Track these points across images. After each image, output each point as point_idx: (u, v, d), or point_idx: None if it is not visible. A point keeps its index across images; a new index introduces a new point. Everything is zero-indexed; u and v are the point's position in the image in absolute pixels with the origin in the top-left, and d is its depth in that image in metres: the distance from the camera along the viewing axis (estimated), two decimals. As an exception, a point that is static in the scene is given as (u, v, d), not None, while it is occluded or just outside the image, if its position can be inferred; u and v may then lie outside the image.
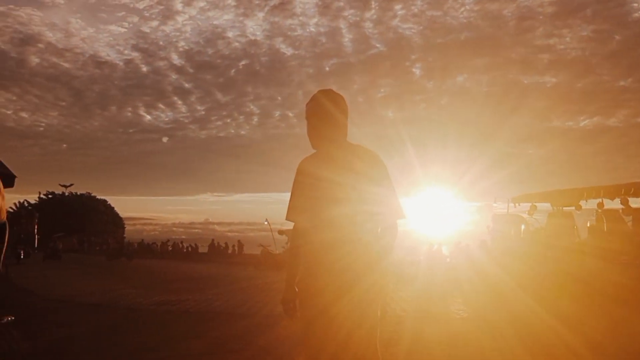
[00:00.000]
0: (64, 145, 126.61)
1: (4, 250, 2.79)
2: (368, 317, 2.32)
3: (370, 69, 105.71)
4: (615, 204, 12.87)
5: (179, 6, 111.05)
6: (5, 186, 2.80)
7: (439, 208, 25.29)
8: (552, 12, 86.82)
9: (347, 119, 2.54)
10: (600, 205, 12.95)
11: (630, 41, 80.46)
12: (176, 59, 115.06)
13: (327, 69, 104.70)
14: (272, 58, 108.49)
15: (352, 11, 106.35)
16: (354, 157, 2.45)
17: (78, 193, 72.96)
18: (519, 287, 11.22)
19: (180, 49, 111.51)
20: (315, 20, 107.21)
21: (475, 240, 18.07)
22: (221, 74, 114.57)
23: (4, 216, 2.78)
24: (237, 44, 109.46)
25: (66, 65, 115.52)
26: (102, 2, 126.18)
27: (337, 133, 2.50)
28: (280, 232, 23.48)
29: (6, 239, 2.83)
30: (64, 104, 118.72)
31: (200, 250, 36.33)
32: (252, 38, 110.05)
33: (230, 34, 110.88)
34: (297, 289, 2.51)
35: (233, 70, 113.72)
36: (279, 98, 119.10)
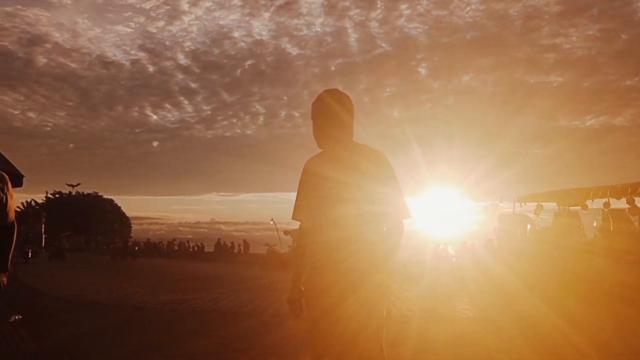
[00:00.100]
0: (71, 145, 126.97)
1: (12, 249, 2.82)
2: (374, 317, 2.32)
3: (375, 68, 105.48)
4: (622, 204, 12.80)
5: (185, 6, 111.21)
6: (13, 186, 2.82)
7: (445, 207, 25.23)
8: (558, 11, 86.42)
9: (353, 118, 2.54)
10: (607, 204, 12.89)
11: (637, 40, 79.92)
12: (182, 59, 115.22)
13: (333, 68, 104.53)
14: (278, 58, 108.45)
15: (357, 11, 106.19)
16: (359, 157, 2.45)
17: (85, 192, 73.36)
18: (525, 286, 11.19)
19: (187, 49, 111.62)
20: (321, 20, 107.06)
21: (481, 240, 18.04)
22: (227, 73, 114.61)
23: (13, 216, 2.81)
24: (243, 44, 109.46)
25: (73, 65, 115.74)
26: (108, 2, 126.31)
27: (343, 133, 2.51)
28: (286, 233, 23.50)
29: (15, 238, 2.85)
30: (71, 104, 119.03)
31: (207, 249, 36.43)
32: (258, 38, 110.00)
33: (236, 34, 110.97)
34: (303, 289, 2.52)
35: (239, 70, 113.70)
36: (285, 98, 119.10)
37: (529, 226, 14.80)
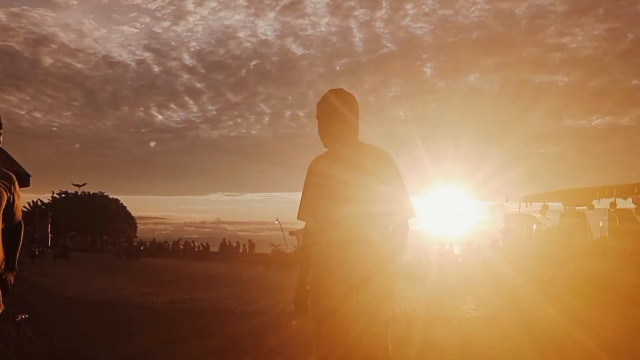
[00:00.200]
0: (77, 145, 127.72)
1: (19, 249, 2.83)
2: (379, 316, 2.32)
3: (381, 68, 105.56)
4: (628, 204, 12.74)
5: (190, 6, 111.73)
6: (20, 186, 2.84)
7: (450, 207, 25.18)
8: (564, 11, 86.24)
9: (358, 118, 2.54)
10: (613, 204, 12.82)
11: (643, 40, 79.51)
12: (188, 59, 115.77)
13: (338, 68, 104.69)
14: (283, 58, 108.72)
15: (362, 10, 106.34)
16: (364, 157, 2.45)
17: (91, 192, 73.75)
18: (531, 287, 11.14)
19: (192, 49, 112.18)
20: (326, 19, 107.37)
21: (486, 240, 18.00)
22: (232, 74, 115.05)
23: (20, 215, 2.82)
24: (248, 44, 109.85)
25: (79, 65, 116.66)
26: (114, 2, 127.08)
27: (348, 132, 2.51)
28: (291, 233, 23.54)
29: (22, 238, 2.87)
30: (77, 104, 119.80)
31: (212, 249, 36.57)
32: (263, 38, 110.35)
33: (241, 34, 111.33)
34: (308, 288, 2.53)
35: (244, 70, 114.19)
36: (290, 98, 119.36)
37: (534, 226, 14.75)
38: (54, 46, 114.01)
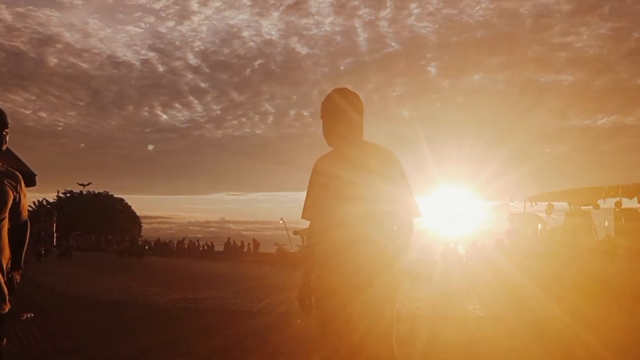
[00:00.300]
0: (82, 145, 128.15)
1: (25, 248, 2.84)
2: (383, 316, 2.32)
3: (385, 67, 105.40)
4: (634, 203, 12.70)
5: (194, 6, 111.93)
6: (27, 185, 2.85)
7: (455, 207, 25.10)
8: (569, 10, 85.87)
9: (363, 117, 2.54)
10: (618, 204, 12.77)
11: (649, 38, 79.19)
12: (192, 59, 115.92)
13: (342, 68, 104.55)
14: (287, 57, 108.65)
15: (367, 10, 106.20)
16: (369, 156, 2.45)
17: (96, 192, 73.97)
18: (536, 286, 11.12)
19: (196, 49, 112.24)
20: (330, 19, 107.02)
21: (491, 240, 17.93)
22: (237, 73, 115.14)
23: (26, 214, 2.83)
24: (252, 43, 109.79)
25: (84, 65, 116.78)
26: (119, 2, 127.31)
27: (352, 132, 2.50)
28: (295, 233, 23.52)
29: (27, 237, 2.88)
30: (82, 103, 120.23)
31: (216, 248, 36.62)
32: (268, 37, 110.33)
33: (245, 34, 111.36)
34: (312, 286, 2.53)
35: (248, 70, 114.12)
36: (294, 97, 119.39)
37: (540, 226, 14.71)
38: (59, 46, 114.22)
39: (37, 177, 8.49)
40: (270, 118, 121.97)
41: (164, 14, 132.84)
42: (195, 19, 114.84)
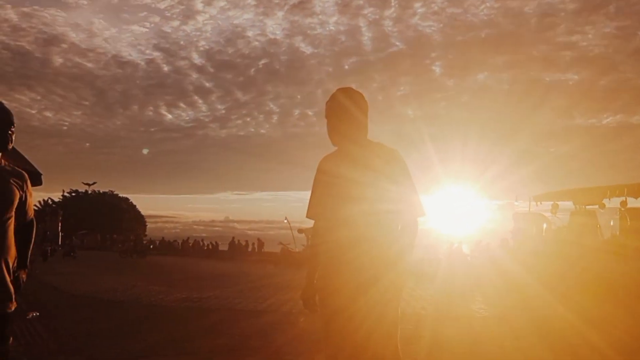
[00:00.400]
0: (87, 144, 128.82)
1: (31, 247, 2.85)
2: (388, 315, 2.32)
3: (389, 67, 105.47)
4: (639, 203, 12.65)
5: (199, 6, 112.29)
6: (33, 184, 2.86)
7: (460, 206, 25.07)
8: (574, 9, 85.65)
9: (367, 117, 2.53)
10: (624, 203, 12.72)
11: (655, 37, 78.78)
12: (197, 59, 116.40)
13: (347, 67, 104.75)
14: (291, 57, 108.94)
15: (371, 9, 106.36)
16: (373, 155, 2.44)
17: (101, 191, 74.18)
18: (541, 286, 11.09)
19: (201, 49, 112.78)
20: (334, 18, 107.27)
21: (496, 239, 17.91)
22: (241, 73, 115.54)
23: (32, 213, 2.84)
24: (257, 43, 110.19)
25: (89, 65, 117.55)
26: (124, 2, 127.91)
27: (357, 131, 2.50)
28: (300, 231, 23.54)
29: (33, 236, 2.89)
30: (87, 103, 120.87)
31: (221, 248, 36.68)
32: (272, 37, 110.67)
33: (250, 33, 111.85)
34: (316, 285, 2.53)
35: (253, 69, 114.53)
36: (299, 97, 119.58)
37: (544, 225, 14.67)
38: (64, 46, 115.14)
39: (42, 177, 8.51)
40: (275, 117, 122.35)
41: (168, 14, 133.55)
42: (200, 18, 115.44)
